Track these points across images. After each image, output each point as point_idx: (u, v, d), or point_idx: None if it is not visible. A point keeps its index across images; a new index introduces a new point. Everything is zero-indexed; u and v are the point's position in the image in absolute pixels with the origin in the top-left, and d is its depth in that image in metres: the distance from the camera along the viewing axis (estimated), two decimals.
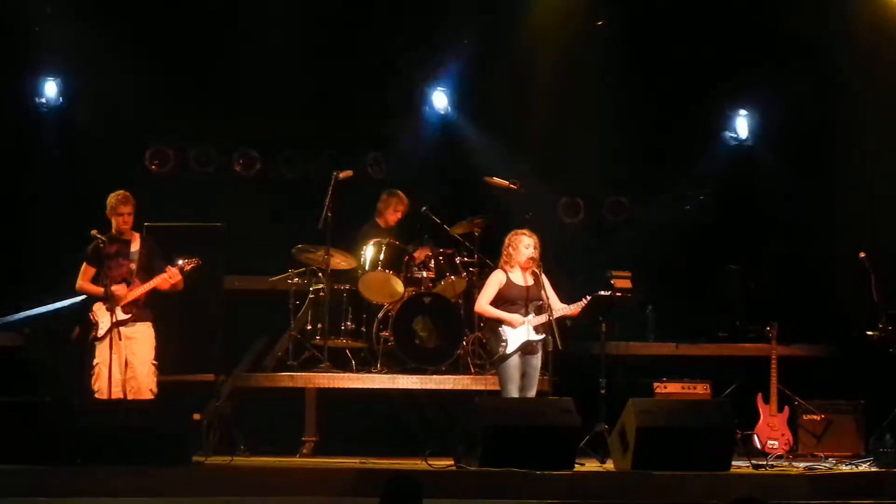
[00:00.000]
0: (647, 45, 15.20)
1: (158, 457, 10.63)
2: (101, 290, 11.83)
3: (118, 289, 11.80)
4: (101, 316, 11.84)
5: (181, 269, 11.90)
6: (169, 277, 11.87)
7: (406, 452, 12.44)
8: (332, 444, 13.31)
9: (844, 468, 12.31)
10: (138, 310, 11.93)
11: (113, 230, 12.00)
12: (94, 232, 11.89)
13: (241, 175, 15.30)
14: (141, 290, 11.89)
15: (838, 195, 15.06)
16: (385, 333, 13.48)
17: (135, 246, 12.01)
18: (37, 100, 14.76)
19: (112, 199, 11.99)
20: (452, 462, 11.35)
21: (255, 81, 14.74)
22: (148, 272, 11.97)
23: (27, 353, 13.44)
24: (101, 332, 11.81)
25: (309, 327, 13.68)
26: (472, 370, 13.51)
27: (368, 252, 13.62)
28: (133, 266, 11.94)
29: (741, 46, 15.18)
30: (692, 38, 15.22)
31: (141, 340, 11.93)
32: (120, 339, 11.73)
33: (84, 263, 12.02)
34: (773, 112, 15.62)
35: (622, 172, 15.57)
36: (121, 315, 11.78)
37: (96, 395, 11.76)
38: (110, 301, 11.72)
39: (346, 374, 13.45)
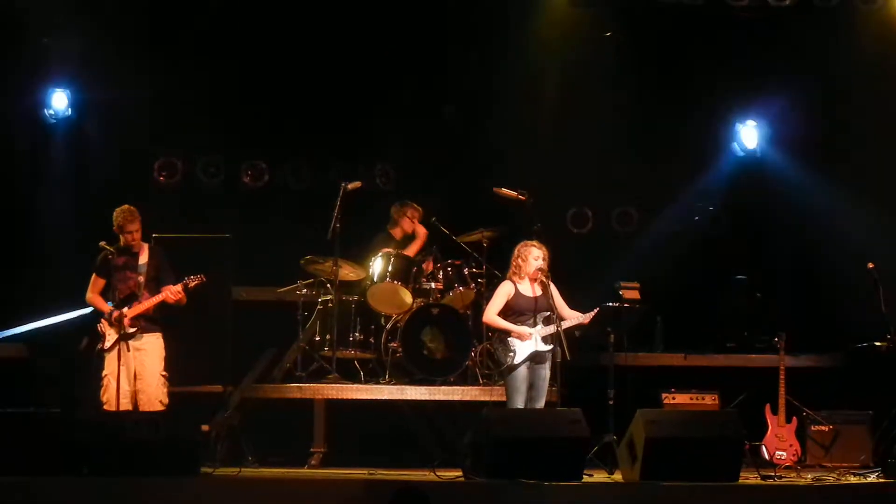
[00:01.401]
0: (654, 56, 15.22)
1: (166, 468, 10.62)
2: (107, 308, 11.84)
3: (126, 311, 11.79)
4: (109, 328, 11.84)
5: (185, 286, 11.88)
6: (171, 295, 11.85)
7: (414, 463, 12.43)
8: (340, 455, 13.32)
9: (853, 479, 12.27)
10: (146, 322, 11.91)
11: (121, 242, 11.99)
12: (102, 243, 11.85)
13: (249, 186, 15.32)
14: (144, 306, 11.87)
15: (846, 205, 15.06)
16: (393, 344, 13.48)
17: (143, 258, 11.96)
18: (46, 111, 14.79)
19: (118, 216, 11.92)
20: (461, 473, 11.31)
21: (263, 92, 14.78)
22: (157, 284, 11.93)
23: (35, 365, 13.44)
24: (108, 344, 11.80)
25: (317, 338, 13.69)
26: (481, 381, 13.52)
27: (377, 263, 13.64)
28: (141, 279, 11.90)
29: (749, 56, 15.20)
30: (700, 48, 15.24)
31: (150, 352, 11.91)
32: (128, 350, 11.73)
33: (94, 275, 12.00)
34: (781, 122, 15.62)
35: (631, 183, 15.57)
36: (128, 328, 11.79)
37: (105, 407, 11.75)
38: (116, 326, 11.75)
39: (355, 386, 13.46)
